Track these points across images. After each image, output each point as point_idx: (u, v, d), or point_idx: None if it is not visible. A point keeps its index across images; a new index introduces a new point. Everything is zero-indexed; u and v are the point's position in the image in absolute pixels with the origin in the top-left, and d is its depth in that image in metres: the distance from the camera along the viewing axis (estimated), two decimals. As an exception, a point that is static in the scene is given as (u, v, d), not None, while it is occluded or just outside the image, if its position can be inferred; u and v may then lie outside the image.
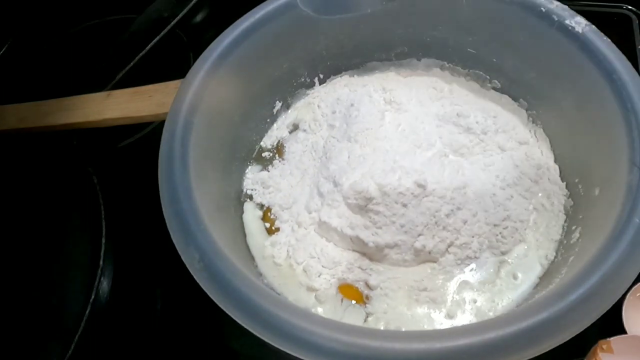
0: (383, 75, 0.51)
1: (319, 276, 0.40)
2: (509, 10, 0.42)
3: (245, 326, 0.29)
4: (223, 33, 0.42)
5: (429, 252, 0.39)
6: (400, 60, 0.51)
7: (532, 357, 0.27)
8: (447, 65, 0.50)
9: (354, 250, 0.41)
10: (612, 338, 0.36)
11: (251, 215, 0.44)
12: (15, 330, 0.41)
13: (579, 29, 0.39)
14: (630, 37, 0.57)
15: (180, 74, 0.41)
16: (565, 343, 0.27)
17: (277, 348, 0.28)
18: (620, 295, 0.29)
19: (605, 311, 0.28)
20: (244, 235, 0.43)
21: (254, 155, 0.48)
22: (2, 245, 0.44)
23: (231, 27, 0.42)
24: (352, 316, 0.38)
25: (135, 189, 0.47)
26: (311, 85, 0.51)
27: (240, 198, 0.45)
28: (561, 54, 0.40)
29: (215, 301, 0.30)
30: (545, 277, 0.39)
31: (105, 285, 0.42)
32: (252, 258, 0.42)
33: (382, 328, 0.37)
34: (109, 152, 0.52)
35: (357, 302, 0.39)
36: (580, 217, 0.39)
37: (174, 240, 0.32)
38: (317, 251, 0.40)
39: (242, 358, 0.42)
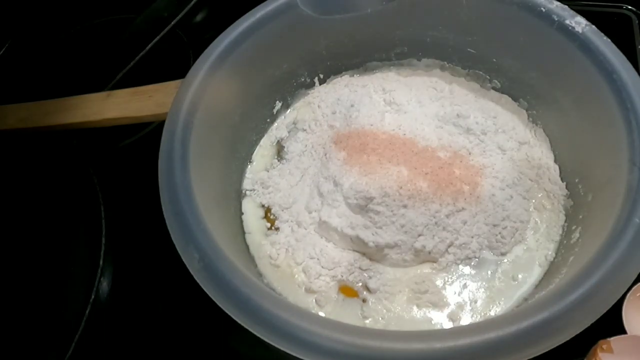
0: (383, 76, 0.51)
1: (318, 277, 0.39)
2: (509, 10, 0.42)
3: (245, 326, 0.29)
4: (223, 33, 0.42)
5: (429, 252, 0.39)
6: (400, 60, 0.51)
7: (532, 357, 0.27)
8: (447, 65, 0.50)
9: (354, 250, 0.41)
10: (612, 338, 0.36)
11: (251, 215, 0.44)
12: (15, 330, 0.41)
13: (579, 29, 0.39)
14: (630, 37, 0.57)
15: (180, 74, 0.41)
16: (565, 343, 0.27)
17: (277, 348, 0.28)
18: (620, 295, 0.29)
19: (605, 311, 0.28)
20: (244, 235, 0.43)
21: (253, 155, 0.48)
22: (2, 245, 0.44)
23: (231, 27, 0.42)
24: (352, 316, 0.38)
25: (135, 189, 0.47)
26: (311, 85, 0.51)
27: (240, 198, 0.45)
28: (561, 54, 0.40)
29: (215, 301, 0.30)
30: (545, 277, 0.39)
31: (105, 285, 0.42)
32: (252, 258, 0.42)
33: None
34: (109, 152, 0.52)
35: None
36: (580, 217, 0.39)
37: (174, 240, 0.32)
38: (317, 251, 0.40)
39: (242, 358, 0.42)
